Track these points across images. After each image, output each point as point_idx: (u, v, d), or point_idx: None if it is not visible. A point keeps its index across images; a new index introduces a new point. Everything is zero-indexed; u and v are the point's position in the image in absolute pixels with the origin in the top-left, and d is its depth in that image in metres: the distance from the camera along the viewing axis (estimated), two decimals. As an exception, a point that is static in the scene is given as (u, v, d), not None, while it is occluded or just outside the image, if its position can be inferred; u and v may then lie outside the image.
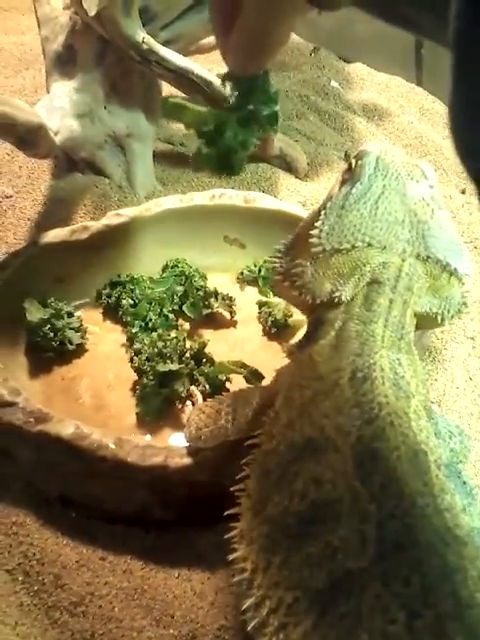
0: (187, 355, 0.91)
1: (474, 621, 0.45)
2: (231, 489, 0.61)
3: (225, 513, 0.60)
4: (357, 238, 0.63)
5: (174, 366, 0.87)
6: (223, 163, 0.60)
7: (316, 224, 0.66)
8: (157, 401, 0.87)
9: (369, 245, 0.62)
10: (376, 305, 0.62)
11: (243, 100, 0.58)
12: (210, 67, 1.40)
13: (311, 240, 0.65)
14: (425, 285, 0.64)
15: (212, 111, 0.59)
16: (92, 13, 0.94)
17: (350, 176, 0.67)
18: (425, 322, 0.66)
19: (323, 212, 0.66)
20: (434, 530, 0.49)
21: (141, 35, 1.04)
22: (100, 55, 1.10)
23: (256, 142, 0.61)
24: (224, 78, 0.56)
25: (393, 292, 0.62)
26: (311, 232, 0.65)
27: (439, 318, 0.66)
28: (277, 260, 0.71)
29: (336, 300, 0.63)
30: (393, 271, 0.62)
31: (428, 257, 0.63)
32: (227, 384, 0.90)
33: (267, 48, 0.48)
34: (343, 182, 0.68)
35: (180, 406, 0.88)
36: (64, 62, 1.09)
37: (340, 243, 0.63)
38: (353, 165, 0.68)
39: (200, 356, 0.92)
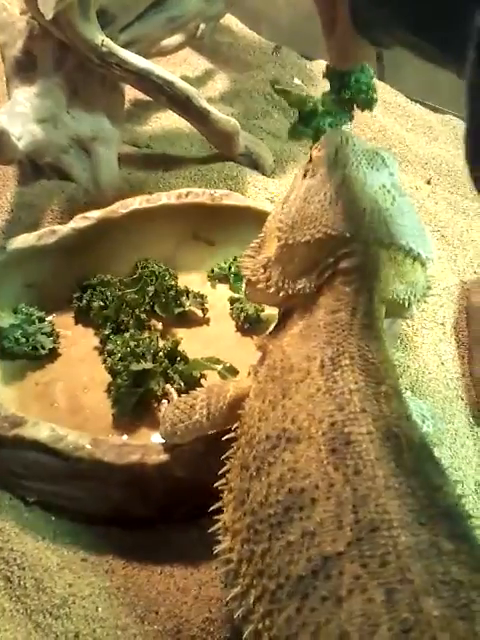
0: (160, 354, 0.91)
1: (451, 595, 0.46)
2: (215, 485, 0.62)
3: (209, 509, 0.61)
4: (319, 230, 0.62)
5: (148, 365, 0.88)
6: (318, 134, 0.74)
7: (280, 218, 0.66)
8: (132, 400, 0.87)
9: (331, 236, 0.62)
10: (343, 294, 0.62)
11: (337, 88, 0.72)
12: (172, 69, 1.41)
13: (276, 235, 0.65)
14: (390, 272, 0.64)
15: (311, 96, 0.75)
16: (49, 17, 0.94)
17: (311, 168, 0.68)
18: (393, 309, 0.67)
19: (286, 206, 0.66)
20: (408, 509, 0.50)
21: (100, 38, 1.04)
22: (60, 60, 1.10)
23: (348, 122, 0.77)
24: (326, 69, 0.72)
25: (359, 280, 0.62)
26: (276, 227, 0.66)
27: (406, 303, 0.66)
28: (246, 260, 0.71)
29: (302, 292, 0.64)
30: (357, 260, 0.62)
31: (391, 244, 0.63)
32: (202, 381, 0.90)
33: (351, 56, 0.67)
34: (305, 174, 0.68)
35: (156, 405, 0.88)
36: (24, 68, 1.09)
37: (303, 236, 0.63)
38: (313, 157, 0.68)
39: (174, 354, 0.92)
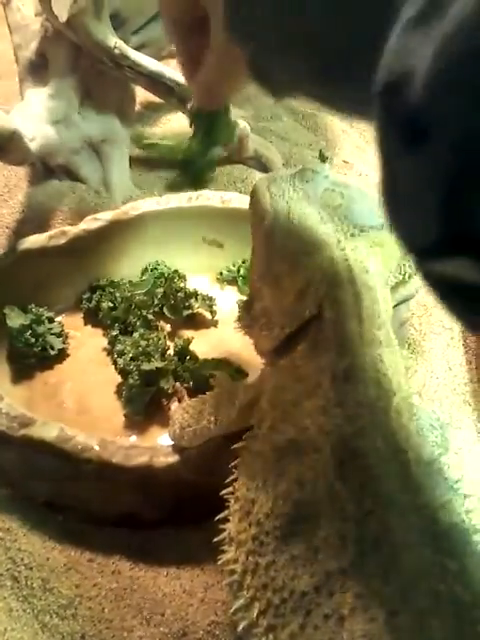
0: (170, 353, 0.92)
1: (455, 616, 0.46)
2: (221, 494, 0.62)
3: (216, 518, 0.61)
4: (293, 259, 0.61)
5: (159, 363, 0.88)
6: (196, 180, 0.79)
7: (254, 270, 0.66)
8: (145, 400, 0.87)
9: (307, 255, 0.60)
10: (343, 304, 0.59)
11: (206, 132, 0.70)
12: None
13: (256, 286, 0.65)
14: (377, 255, 0.61)
15: (179, 145, 0.76)
16: (63, 19, 0.95)
17: (258, 217, 0.66)
18: (397, 290, 0.65)
19: (253, 256, 0.67)
20: (411, 528, 0.50)
21: (113, 40, 1.05)
22: (73, 61, 1.10)
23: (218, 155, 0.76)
24: (191, 112, 0.69)
25: (353, 285, 0.59)
26: (253, 278, 0.66)
27: (407, 276, 0.65)
28: (244, 317, 0.70)
29: (310, 314, 0.61)
30: (342, 265, 0.60)
31: (362, 229, 0.61)
32: (211, 382, 0.90)
33: (221, 94, 0.61)
34: (257, 227, 0.67)
35: (166, 403, 0.89)
36: (37, 69, 1.09)
37: (282, 266, 0.62)
38: (254, 206, 0.68)
39: (184, 353, 0.93)
